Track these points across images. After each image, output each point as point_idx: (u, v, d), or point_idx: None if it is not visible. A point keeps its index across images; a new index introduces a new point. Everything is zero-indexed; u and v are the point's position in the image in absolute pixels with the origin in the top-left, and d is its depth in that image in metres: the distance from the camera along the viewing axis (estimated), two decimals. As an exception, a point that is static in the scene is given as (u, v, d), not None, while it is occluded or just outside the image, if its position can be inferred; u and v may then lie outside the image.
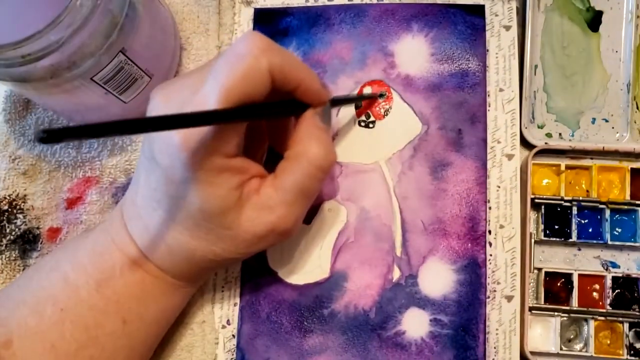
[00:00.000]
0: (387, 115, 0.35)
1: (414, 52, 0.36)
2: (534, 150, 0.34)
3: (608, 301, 0.32)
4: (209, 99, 0.23)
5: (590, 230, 0.34)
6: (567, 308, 0.32)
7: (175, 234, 0.26)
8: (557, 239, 0.33)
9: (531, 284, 0.33)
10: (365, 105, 0.35)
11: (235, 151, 0.25)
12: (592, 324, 0.32)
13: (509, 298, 0.32)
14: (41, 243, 0.35)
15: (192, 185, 0.24)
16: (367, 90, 0.35)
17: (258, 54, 0.24)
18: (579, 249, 0.34)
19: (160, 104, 0.25)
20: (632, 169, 0.34)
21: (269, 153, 0.32)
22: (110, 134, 0.19)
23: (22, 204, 0.35)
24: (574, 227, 0.33)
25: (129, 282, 0.27)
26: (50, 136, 0.16)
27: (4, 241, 0.34)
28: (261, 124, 0.31)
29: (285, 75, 0.25)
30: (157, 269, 0.28)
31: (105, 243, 0.28)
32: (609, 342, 0.32)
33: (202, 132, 0.23)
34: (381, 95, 0.35)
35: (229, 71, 0.23)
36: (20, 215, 0.35)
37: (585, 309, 0.32)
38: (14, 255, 0.34)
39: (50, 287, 0.27)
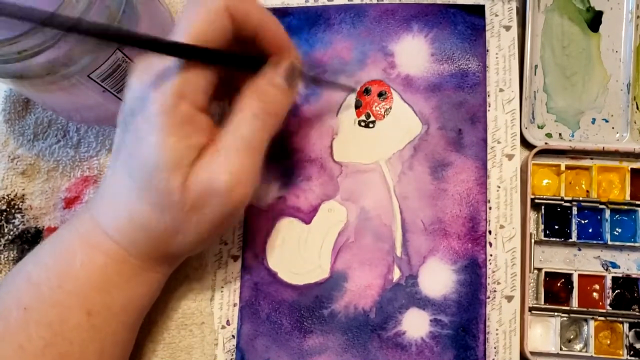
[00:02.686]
0: (387, 115, 0.35)
1: (414, 52, 0.36)
2: (534, 151, 0.34)
3: (608, 301, 0.32)
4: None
5: (590, 230, 0.34)
6: (567, 308, 0.32)
7: (137, 201, 0.26)
8: (557, 239, 0.33)
9: (531, 284, 0.33)
10: (365, 105, 0.35)
11: (203, 101, 0.25)
12: (592, 324, 0.32)
13: (509, 298, 0.32)
14: (39, 243, 0.34)
15: (154, 137, 0.24)
16: (367, 92, 0.35)
17: None
18: (579, 249, 0.34)
19: (137, 62, 0.26)
20: (632, 169, 0.34)
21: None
22: (80, 33, 0.20)
23: (21, 203, 0.35)
24: (574, 227, 0.33)
25: (90, 271, 0.27)
26: None
27: (2, 241, 0.34)
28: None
29: (247, 14, 0.25)
30: (120, 249, 0.27)
31: (67, 236, 0.28)
32: (609, 342, 0.32)
33: (174, 78, 0.24)
34: (380, 95, 0.35)
35: (189, 16, 0.25)
36: (19, 215, 0.35)
37: (585, 309, 0.32)
38: (12, 255, 0.34)
39: (15, 290, 0.27)
